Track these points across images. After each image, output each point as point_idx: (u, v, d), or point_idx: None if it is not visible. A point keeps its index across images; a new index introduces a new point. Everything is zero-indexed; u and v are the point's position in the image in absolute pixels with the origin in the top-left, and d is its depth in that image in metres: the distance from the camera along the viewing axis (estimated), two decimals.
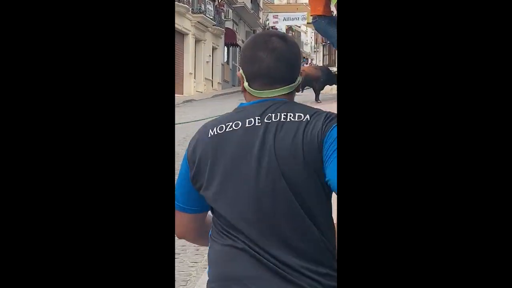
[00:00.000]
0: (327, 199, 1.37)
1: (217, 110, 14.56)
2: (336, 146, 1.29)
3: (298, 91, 1.52)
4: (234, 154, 1.36)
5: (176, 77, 21.20)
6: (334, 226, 1.38)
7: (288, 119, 1.35)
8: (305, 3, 28.55)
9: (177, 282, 3.83)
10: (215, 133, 1.39)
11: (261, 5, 35.81)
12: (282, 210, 1.32)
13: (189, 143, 1.45)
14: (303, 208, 1.32)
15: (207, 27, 25.58)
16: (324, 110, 1.42)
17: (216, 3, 27.20)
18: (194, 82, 23.94)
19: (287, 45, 1.44)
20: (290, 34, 40.25)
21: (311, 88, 13.46)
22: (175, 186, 1.45)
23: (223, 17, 28.54)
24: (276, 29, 34.12)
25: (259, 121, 1.36)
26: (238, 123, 1.38)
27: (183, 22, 22.59)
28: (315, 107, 1.46)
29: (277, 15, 34.00)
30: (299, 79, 1.47)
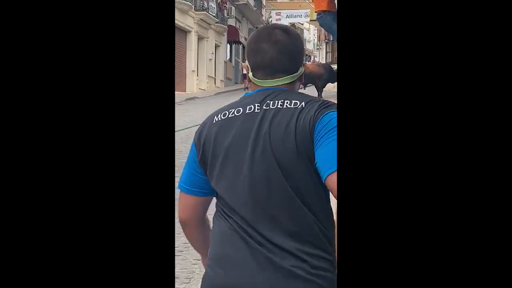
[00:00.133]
0: (321, 185, 1.40)
1: (220, 107, 14.47)
2: (326, 131, 1.35)
3: (301, 82, 1.59)
4: (233, 139, 1.44)
5: (178, 74, 21.21)
6: (331, 212, 1.43)
7: (285, 106, 1.41)
8: (308, 0, 28.51)
9: (180, 279, 3.83)
10: (220, 119, 1.48)
11: (263, 2, 35.78)
12: (275, 194, 1.38)
13: (197, 129, 1.55)
14: (296, 192, 1.38)
15: (210, 24, 25.55)
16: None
17: (219, 0, 27.18)
18: (197, 79, 23.93)
19: (289, 38, 1.51)
20: None
21: (314, 86, 13.44)
22: (183, 170, 1.55)
23: (225, 15, 28.51)
24: None
25: (258, 107, 1.44)
26: (240, 109, 1.47)
27: (185, 20, 22.57)
28: None
29: (280, 12, 33.96)
30: (301, 69, 1.53)
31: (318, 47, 49.79)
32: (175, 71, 21.28)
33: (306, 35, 46.94)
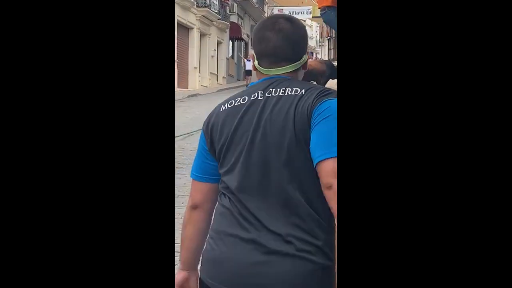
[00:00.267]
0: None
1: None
2: (322, 118, 1.39)
3: (305, 69, 1.62)
4: (237, 125, 1.51)
5: (181, 71, 21.20)
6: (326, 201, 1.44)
7: (286, 93, 1.47)
8: None
9: None
10: (226, 107, 1.56)
11: None
12: (270, 178, 1.45)
13: (206, 118, 1.62)
14: (292, 177, 1.43)
15: (212, 21, 25.51)
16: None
17: None
18: (199, 76, 23.90)
19: (293, 27, 1.57)
20: None
21: (315, 82, 13.42)
22: (194, 159, 1.64)
23: (228, 11, 28.45)
24: None
25: (261, 95, 1.51)
26: (245, 98, 1.54)
27: (188, 16, 22.54)
28: None
29: (282, 9, 33.84)
30: (305, 57, 1.59)
31: (320, 44, 49.69)
32: (177, 68, 21.15)
33: (308, 32, 46.62)
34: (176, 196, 5.80)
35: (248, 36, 32.68)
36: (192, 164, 1.66)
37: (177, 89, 19.45)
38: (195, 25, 23.59)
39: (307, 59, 1.60)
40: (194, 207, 1.65)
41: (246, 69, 25.71)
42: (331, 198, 1.36)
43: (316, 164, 1.39)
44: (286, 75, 1.55)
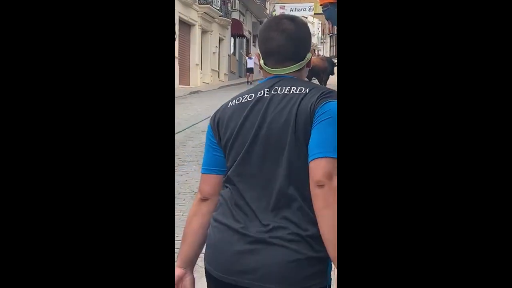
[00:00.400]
0: None
1: (224, 101, 14.47)
2: (324, 119, 1.45)
3: (309, 67, 1.71)
4: (243, 120, 1.58)
5: (182, 68, 21.21)
6: None
7: (291, 92, 1.55)
8: None
9: None
10: (234, 104, 1.64)
11: None
12: (267, 170, 1.52)
13: (213, 113, 1.70)
14: (288, 171, 1.49)
15: (213, 18, 25.52)
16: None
17: None
18: (201, 73, 23.92)
19: (296, 26, 1.64)
20: None
21: (317, 79, 13.44)
22: (204, 155, 1.71)
23: (229, 8, 28.45)
24: None
25: (267, 93, 1.58)
26: (252, 95, 1.62)
27: (189, 13, 22.54)
28: None
29: (284, 6, 33.85)
30: (309, 55, 1.66)
31: (322, 40, 49.71)
32: (179, 65, 21.13)
33: (310, 28, 46.73)
34: (177, 193, 5.80)
35: (249, 33, 32.70)
36: (202, 161, 1.72)
37: (178, 86, 19.48)
38: (196, 22, 23.60)
39: (311, 57, 1.66)
40: (203, 199, 1.69)
41: (248, 66, 25.72)
42: (318, 196, 1.40)
43: (310, 161, 1.43)
44: (291, 74, 1.62)
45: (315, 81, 13.83)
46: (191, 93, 18.48)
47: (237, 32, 29.58)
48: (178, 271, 1.68)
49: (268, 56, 1.65)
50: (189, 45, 23.20)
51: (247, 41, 32.80)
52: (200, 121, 10.22)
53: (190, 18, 22.68)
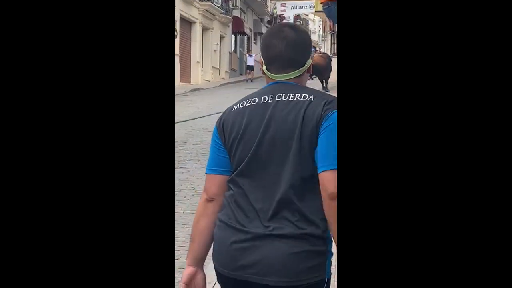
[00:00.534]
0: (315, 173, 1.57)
1: (225, 98, 14.53)
2: (330, 127, 1.53)
3: (309, 73, 1.79)
4: (248, 122, 1.66)
5: (183, 65, 21.16)
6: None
7: (296, 99, 1.63)
8: None
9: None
10: (238, 107, 1.73)
11: None
12: (271, 171, 1.60)
13: (219, 116, 1.79)
14: (290, 174, 1.57)
15: (214, 15, 25.47)
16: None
17: None
18: (202, 70, 23.89)
19: (296, 34, 1.72)
20: (298, 23, 39.93)
21: (317, 78, 13.42)
22: (209, 157, 1.77)
23: (230, 6, 28.39)
24: (284, 17, 33.89)
25: (271, 98, 1.66)
26: (256, 99, 1.70)
27: (190, 11, 22.50)
28: None
29: (285, 4, 33.75)
30: (309, 61, 1.75)
31: (323, 38, 49.61)
32: (180, 62, 21.03)
33: (311, 26, 46.69)
34: (178, 190, 5.80)
35: (250, 30, 32.63)
36: (207, 163, 1.78)
37: (179, 83, 19.45)
38: (197, 19, 23.56)
39: (311, 64, 1.75)
40: (209, 200, 1.76)
41: (248, 64, 25.68)
42: (333, 208, 1.46)
43: (322, 172, 1.52)
44: (292, 80, 1.71)
45: (315, 79, 13.81)
46: (192, 90, 18.46)
47: (238, 29, 29.51)
48: (189, 270, 1.76)
49: (270, 62, 1.73)
50: (190, 42, 23.16)
51: (248, 38, 32.73)
52: (201, 117, 10.22)
53: (191, 15, 22.64)
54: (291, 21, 38.68)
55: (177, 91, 14.69)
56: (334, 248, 1.58)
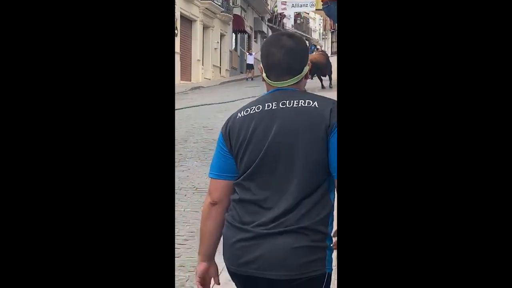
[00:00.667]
0: (321, 177, 1.66)
1: (225, 97, 14.53)
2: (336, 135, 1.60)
3: (307, 79, 1.87)
4: (255, 128, 1.73)
5: (184, 64, 21.16)
6: (328, 204, 1.67)
7: (300, 105, 1.70)
8: None
9: (185, 267, 3.85)
10: (242, 115, 1.79)
11: None
12: (278, 173, 1.67)
13: (224, 123, 1.85)
14: (297, 176, 1.65)
15: (215, 13, 25.46)
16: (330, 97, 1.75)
17: None
18: (202, 69, 23.89)
19: (294, 43, 1.80)
20: (298, 21, 39.87)
21: (317, 77, 13.43)
22: (212, 161, 1.85)
23: (231, 4, 28.38)
24: (284, 15, 33.85)
25: (275, 105, 1.73)
26: (259, 106, 1.77)
27: (191, 9, 22.50)
28: (327, 94, 1.60)
29: (286, 2, 33.73)
30: (306, 69, 1.82)
31: (323, 36, 49.61)
32: (180, 60, 20.99)
33: (311, 24, 46.67)
34: (179, 188, 5.81)
35: (251, 28, 32.61)
36: (210, 167, 1.85)
37: (180, 82, 19.45)
38: (198, 17, 23.55)
39: (308, 70, 1.83)
40: (213, 203, 1.84)
41: (248, 62, 25.68)
42: None
43: (336, 180, 1.61)
44: (291, 86, 1.78)
45: (315, 78, 13.82)
46: (192, 88, 18.46)
47: (238, 28, 29.50)
48: (202, 266, 1.89)
49: (270, 70, 1.80)
50: (191, 40, 23.16)
51: (249, 37, 32.72)
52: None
53: (191, 13, 22.63)
54: (292, 19, 38.55)
55: (177, 90, 14.68)
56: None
